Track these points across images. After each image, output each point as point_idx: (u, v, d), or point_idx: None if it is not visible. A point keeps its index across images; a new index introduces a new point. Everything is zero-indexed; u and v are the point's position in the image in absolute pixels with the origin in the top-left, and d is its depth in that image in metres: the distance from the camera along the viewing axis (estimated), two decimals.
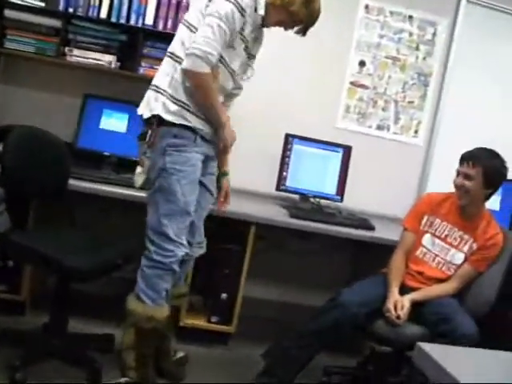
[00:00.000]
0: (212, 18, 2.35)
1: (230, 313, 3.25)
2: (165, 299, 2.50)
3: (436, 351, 1.42)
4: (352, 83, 3.80)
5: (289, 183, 3.57)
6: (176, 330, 3.20)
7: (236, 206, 3.17)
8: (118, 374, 2.63)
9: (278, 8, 2.51)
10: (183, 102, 2.43)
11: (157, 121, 2.44)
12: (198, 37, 2.35)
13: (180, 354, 2.97)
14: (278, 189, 3.57)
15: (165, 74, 2.47)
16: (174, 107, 2.43)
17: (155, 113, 2.44)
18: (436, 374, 1.37)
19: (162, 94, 2.45)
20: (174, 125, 2.43)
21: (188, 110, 2.44)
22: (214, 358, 3.19)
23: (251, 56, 2.67)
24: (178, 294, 2.78)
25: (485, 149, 2.85)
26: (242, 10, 2.39)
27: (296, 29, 2.63)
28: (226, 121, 2.52)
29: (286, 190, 3.59)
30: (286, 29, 2.63)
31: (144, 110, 2.51)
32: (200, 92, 2.41)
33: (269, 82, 3.65)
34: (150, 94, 2.50)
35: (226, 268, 3.20)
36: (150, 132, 2.46)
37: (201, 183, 2.58)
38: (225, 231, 3.28)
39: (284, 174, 3.55)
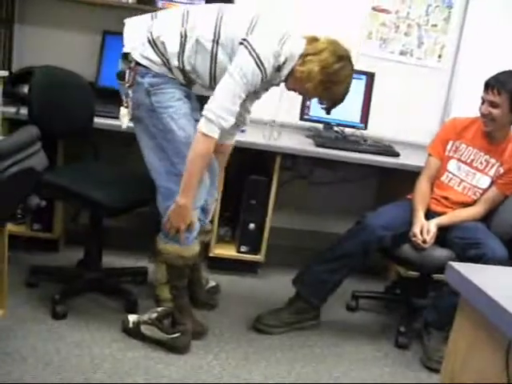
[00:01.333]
0: (233, 79, 2.28)
1: (258, 242, 3.31)
2: (194, 238, 2.52)
3: (468, 270, 1.45)
4: (374, 8, 3.70)
5: (312, 112, 3.55)
6: (206, 260, 3.30)
7: (260, 137, 3.18)
8: (153, 305, 2.74)
9: (296, 79, 2.42)
10: (168, 62, 2.37)
11: (135, 60, 2.36)
12: (216, 97, 2.29)
13: (212, 284, 3.06)
14: (301, 118, 3.56)
15: (175, 34, 2.35)
16: (156, 59, 2.37)
17: (134, 56, 2.36)
18: (468, 292, 1.40)
19: (152, 45, 2.36)
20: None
21: (170, 70, 2.39)
22: (245, 287, 3.28)
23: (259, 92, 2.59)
24: (202, 231, 2.80)
25: (508, 72, 2.79)
26: (263, 71, 2.31)
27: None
28: (187, 199, 2.37)
29: (309, 120, 3.58)
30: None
31: (129, 42, 2.40)
32: (198, 155, 2.32)
33: (290, 11, 3.59)
34: (144, 34, 2.38)
35: (252, 199, 3.24)
36: (128, 71, 2.38)
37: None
38: (251, 163, 3.31)
39: (307, 103, 3.52)
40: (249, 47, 2.28)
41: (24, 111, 2.79)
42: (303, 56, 2.40)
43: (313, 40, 2.46)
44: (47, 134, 2.39)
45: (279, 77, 2.44)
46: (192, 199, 2.38)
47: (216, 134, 2.30)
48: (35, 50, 3.44)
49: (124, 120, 2.45)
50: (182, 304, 2.59)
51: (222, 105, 2.28)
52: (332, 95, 2.48)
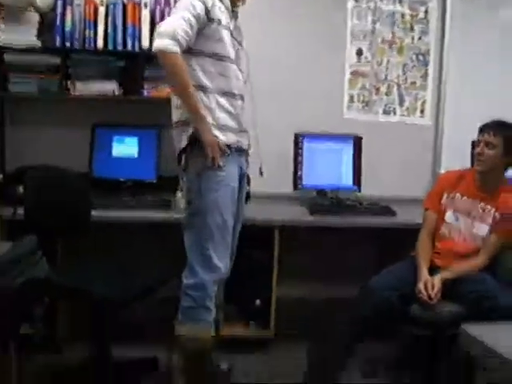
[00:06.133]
0: (175, 9, 2.45)
1: (266, 317, 3.28)
2: (210, 321, 2.54)
3: (482, 332, 1.44)
4: (352, 73, 3.81)
5: (305, 181, 3.58)
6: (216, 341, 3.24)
7: (257, 212, 3.20)
8: None
9: None
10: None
11: (190, 146, 2.47)
12: (163, 22, 2.44)
13: (224, 366, 3.00)
14: (295, 188, 3.59)
15: (175, 108, 2.52)
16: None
17: (183, 145, 2.48)
18: (485, 355, 1.39)
19: (182, 125, 2.48)
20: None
21: (213, 126, 2.46)
22: (258, 365, 3.21)
23: (239, 43, 2.66)
24: None
25: (501, 121, 2.89)
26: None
27: None
28: (202, 115, 2.44)
29: (303, 189, 3.60)
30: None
31: (177, 146, 2.54)
32: (171, 74, 2.41)
33: (269, 83, 3.66)
34: (174, 132, 2.54)
35: (255, 274, 3.23)
36: (184, 156, 2.49)
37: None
38: (249, 238, 3.31)
39: (299, 173, 3.56)
40: None
41: (21, 211, 2.80)
42: None
43: None
44: (45, 232, 2.41)
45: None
46: (203, 118, 2.41)
47: (173, 47, 2.32)
48: (28, 150, 3.47)
49: (180, 203, 2.60)
50: None
51: (169, 21, 2.41)
52: None
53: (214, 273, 2.49)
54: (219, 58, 2.49)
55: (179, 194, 2.57)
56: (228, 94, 2.51)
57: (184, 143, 2.49)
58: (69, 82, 3.31)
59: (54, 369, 2.99)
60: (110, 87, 3.33)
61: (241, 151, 2.59)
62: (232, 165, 2.51)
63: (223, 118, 2.49)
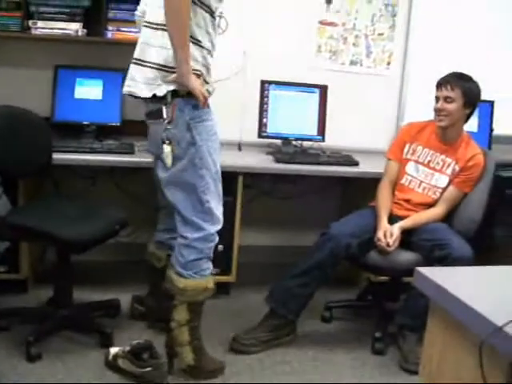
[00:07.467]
0: None
1: (228, 263, 3.32)
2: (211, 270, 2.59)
3: (435, 274, 1.49)
4: (321, 22, 3.77)
5: (270, 129, 3.58)
6: None
7: (221, 158, 3.19)
8: (128, 338, 2.70)
9: None
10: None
11: (171, 95, 2.33)
12: None
13: None
14: (259, 136, 3.58)
15: (160, 47, 2.33)
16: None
17: (170, 88, 2.32)
18: (438, 296, 1.44)
19: (166, 70, 2.32)
20: (189, 94, 2.33)
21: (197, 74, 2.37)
22: (219, 308, 3.25)
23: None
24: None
25: (458, 73, 2.93)
26: None
27: None
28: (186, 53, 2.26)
29: (267, 137, 3.60)
30: None
31: (154, 90, 2.35)
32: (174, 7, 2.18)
33: (238, 29, 3.62)
34: (153, 73, 2.35)
35: None
36: (165, 108, 2.34)
37: None
38: None
39: (264, 120, 3.55)
40: None
41: None
42: None
43: None
44: (7, 174, 2.38)
45: None
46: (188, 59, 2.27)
47: None
48: None
49: (168, 158, 2.38)
50: (200, 345, 2.60)
51: None
52: None
53: (217, 223, 2.52)
54: (212, 13, 2.38)
55: (167, 148, 2.34)
56: (209, 52, 2.43)
57: (162, 91, 2.34)
58: (30, 21, 3.21)
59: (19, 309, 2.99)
60: (73, 27, 3.22)
61: None
62: (213, 115, 2.45)
63: (203, 72, 2.41)
